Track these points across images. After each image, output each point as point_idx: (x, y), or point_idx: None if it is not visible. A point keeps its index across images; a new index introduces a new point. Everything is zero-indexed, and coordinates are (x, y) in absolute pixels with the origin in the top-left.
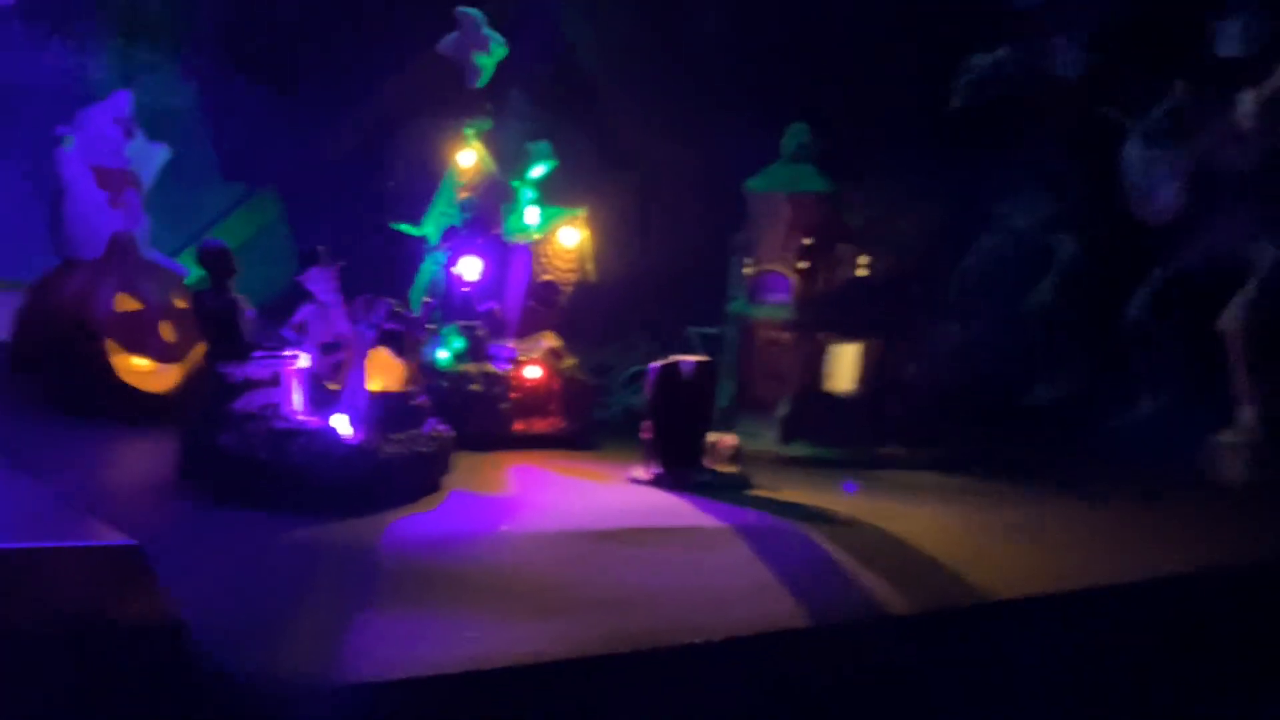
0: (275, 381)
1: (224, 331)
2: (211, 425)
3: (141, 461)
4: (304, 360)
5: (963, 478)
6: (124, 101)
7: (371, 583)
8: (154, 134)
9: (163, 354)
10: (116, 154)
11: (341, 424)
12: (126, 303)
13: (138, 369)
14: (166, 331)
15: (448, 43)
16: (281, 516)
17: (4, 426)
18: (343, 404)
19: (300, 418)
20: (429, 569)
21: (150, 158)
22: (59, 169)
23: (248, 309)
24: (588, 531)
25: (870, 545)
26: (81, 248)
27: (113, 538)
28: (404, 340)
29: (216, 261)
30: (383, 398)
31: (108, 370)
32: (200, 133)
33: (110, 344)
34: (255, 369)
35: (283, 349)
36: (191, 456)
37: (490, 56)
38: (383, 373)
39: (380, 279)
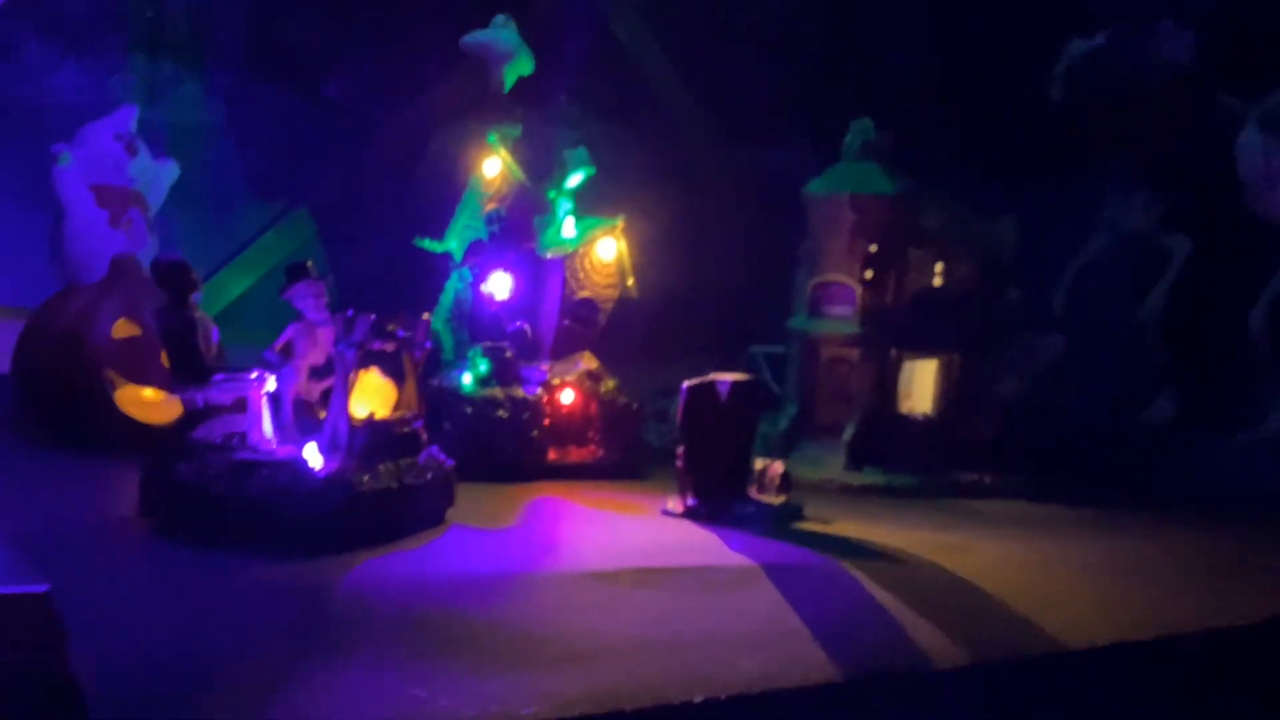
0: (241, 407)
1: (183, 352)
2: (170, 456)
3: (115, 495)
4: (271, 384)
5: (1053, 507)
6: (128, 117)
7: (320, 633)
8: (178, 152)
9: (166, 382)
10: (118, 172)
11: (312, 454)
12: (127, 328)
13: (138, 398)
14: None
15: (471, 41)
16: (241, 557)
17: None
18: (322, 431)
19: (270, 447)
20: (394, 616)
21: (157, 175)
22: (57, 189)
23: (212, 328)
24: (592, 572)
25: (924, 585)
26: (81, 271)
27: (27, 582)
28: (397, 360)
29: (174, 276)
30: (369, 425)
31: (105, 400)
32: (228, 150)
33: (109, 373)
34: (217, 394)
35: (251, 371)
36: (149, 490)
37: (515, 67)
38: (373, 397)
39: (411, 297)
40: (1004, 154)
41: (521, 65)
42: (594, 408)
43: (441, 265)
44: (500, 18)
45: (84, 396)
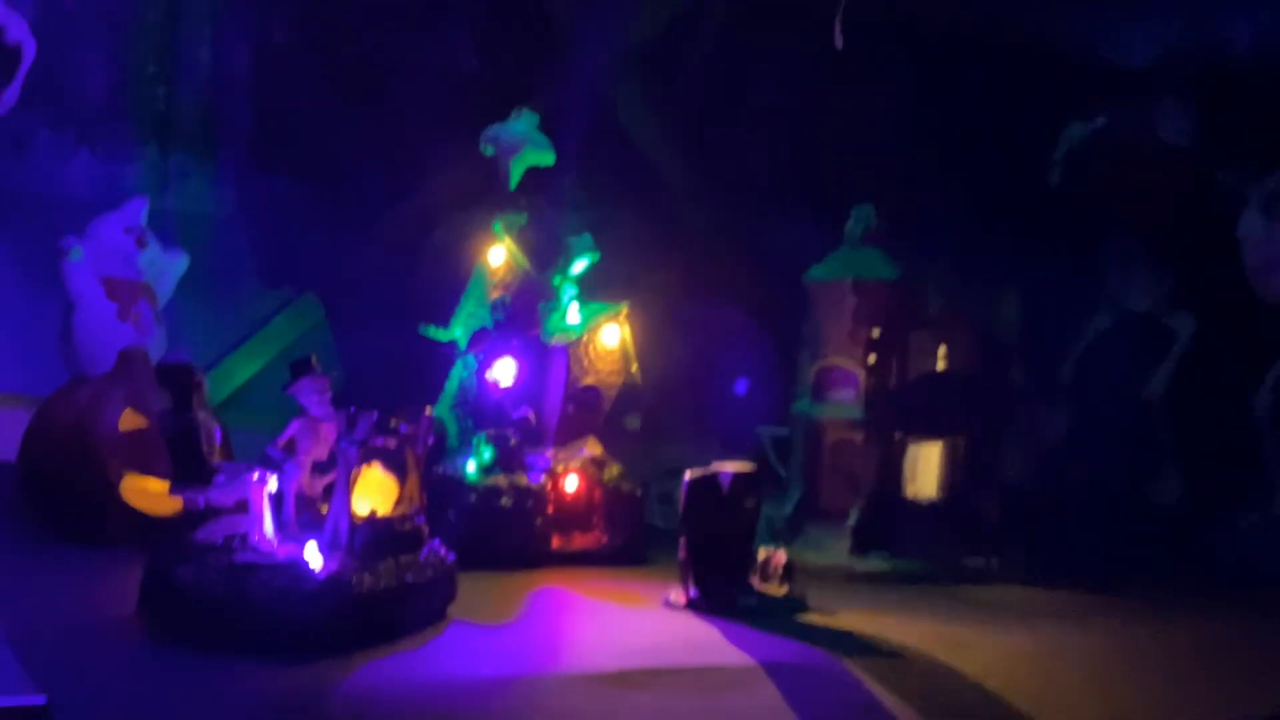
0: (243, 508)
1: (185, 454)
2: (171, 557)
3: (117, 592)
4: (272, 484)
5: (1059, 592)
6: (138, 210)
7: None
8: (188, 243)
9: (170, 473)
10: (128, 265)
11: (312, 554)
12: (133, 420)
13: (143, 490)
14: None
15: (489, 135)
16: (242, 661)
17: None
18: (324, 529)
19: (271, 548)
20: None
21: (166, 268)
22: (66, 282)
23: (215, 428)
24: (593, 674)
25: (926, 684)
26: (90, 363)
27: (26, 692)
28: (399, 456)
29: (177, 379)
30: (371, 522)
31: (110, 491)
32: (237, 238)
33: (114, 464)
34: (218, 494)
35: (252, 471)
36: (150, 591)
37: (523, 159)
38: (376, 493)
39: (416, 383)
40: (1006, 234)
41: (535, 157)
42: (598, 494)
43: (447, 352)
44: (519, 111)
45: (89, 488)
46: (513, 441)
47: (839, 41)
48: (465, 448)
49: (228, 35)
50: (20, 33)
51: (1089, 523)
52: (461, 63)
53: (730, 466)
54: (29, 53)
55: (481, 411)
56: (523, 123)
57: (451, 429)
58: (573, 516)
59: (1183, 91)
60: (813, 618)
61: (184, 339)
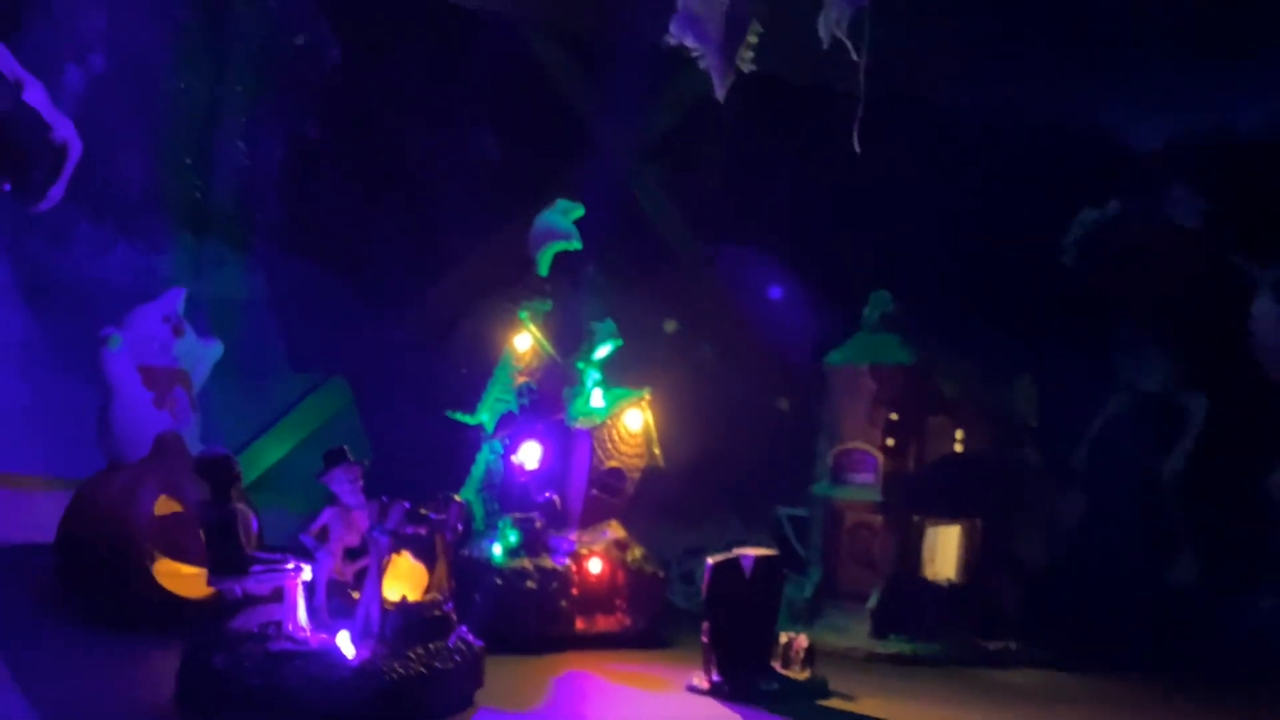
0: (277, 597)
1: (223, 544)
2: (208, 645)
3: (152, 678)
4: (307, 574)
5: (1077, 676)
6: (175, 299)
7: None
8: (220, 327)
9: (204, 558)
10: (164, 353)
11: (345, 643)
12: (168, 505)
13: (178, 574)
14: None
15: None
16: None
17: (33, 633)
18: (355, 617)
19: (305, 636)
20: None
21: (201, 355)
22: (105, 370)
23: (251, 518)
24: None
25: None
26: (126, 449)
27: None
28: (429, 543)
29: (216, 470)
30: (401, 609)
31: (147, 576)
32: (268, 323)
33: (150, 549)
34: (255, 584)
35: (287, 561)
36: (187, 679)
37: (550, 248)
38: (405, 580)
39: (443, 465)
40: (1020, 317)
41: (564, 243)
42: (621, 577)
43: (474, 436)
44: (563, 203)
45: (124, 571)
46: (538, 524)
47: (857, 145)
48: (491, 530)
49: (261, 128)
50: (67, 132)
51: (1106, 605)
52: (487, 153)
53: (752, 551)
54: (75, 151)
55: (507, 494)
56: (556, 212)
57: (478, 511)
58: (596, 599)
59: (1192, 176)
60: (834, 702)
61: (215, 422)
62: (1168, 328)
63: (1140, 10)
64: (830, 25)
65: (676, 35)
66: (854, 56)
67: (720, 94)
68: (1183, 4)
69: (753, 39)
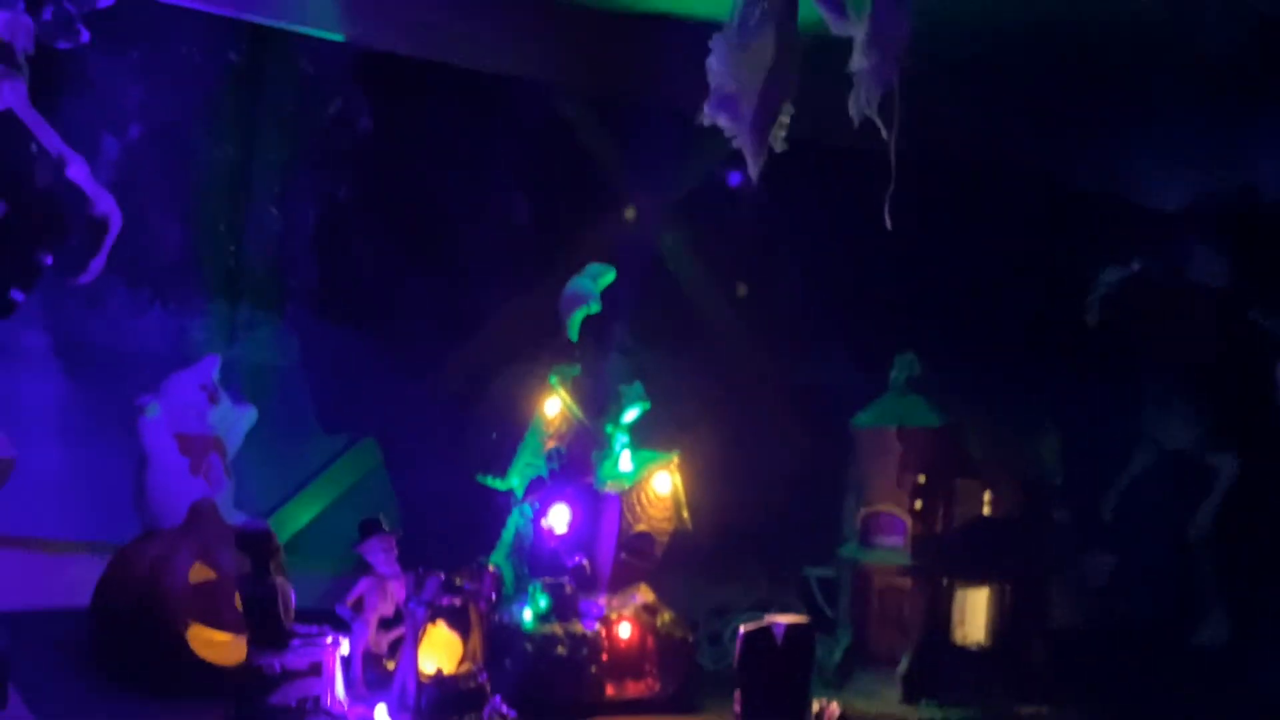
0: (316, 671)
1: (263, 619)
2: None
3: None
4: (345, 647)
5: None
6: (210, 367)
7: None
8: (253, 390)
9: (238, 625)
10: (200, 420)
11: (382, 716)
12: (202, 572)
13: (211, 641)
14: None
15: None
16: None
17: (68, 698)
18: (392, 690)
19: (343, 710)
20: None
21: (236, 421)
22: (142, 438)
23: (290, 591)
24: None
25: None
26: (162, 516)
27: None
28: (464, 613)
29: (257, 545)
30: (438, 682)
31: (181, 643)
32: (300, 386)
33: (184, 616)
34: (293, 659)
35: (325, 634)
36: None
37: (580, 313)
38: (440, 651)
39: (472, 526)
40: (1045, 376)
41: (589, 308)
42: (650, 641)
43: (503, 500)
44: (594, 267)
45: (159, 638)
46: (568, 589)
47: (889, 223)
48: (521, 595)
49: (294, 193)
50: (107, 206)
51: (1137, 666)
52: (517, 217)
53: (784, 618)
54: (115, 225)
55: (537, 559)
56: (586, 277)
57: (508, 576)
58: (626, 664)
59: (1215, 235)
60: None
61: (246, 484)
62: (1193, 386)
63: (1162, 71)
64: (861, 105)
65: (711, 116)
66: (884, 135)
67: (754, 173)
68: (1204, 65)
69: (785, 119)
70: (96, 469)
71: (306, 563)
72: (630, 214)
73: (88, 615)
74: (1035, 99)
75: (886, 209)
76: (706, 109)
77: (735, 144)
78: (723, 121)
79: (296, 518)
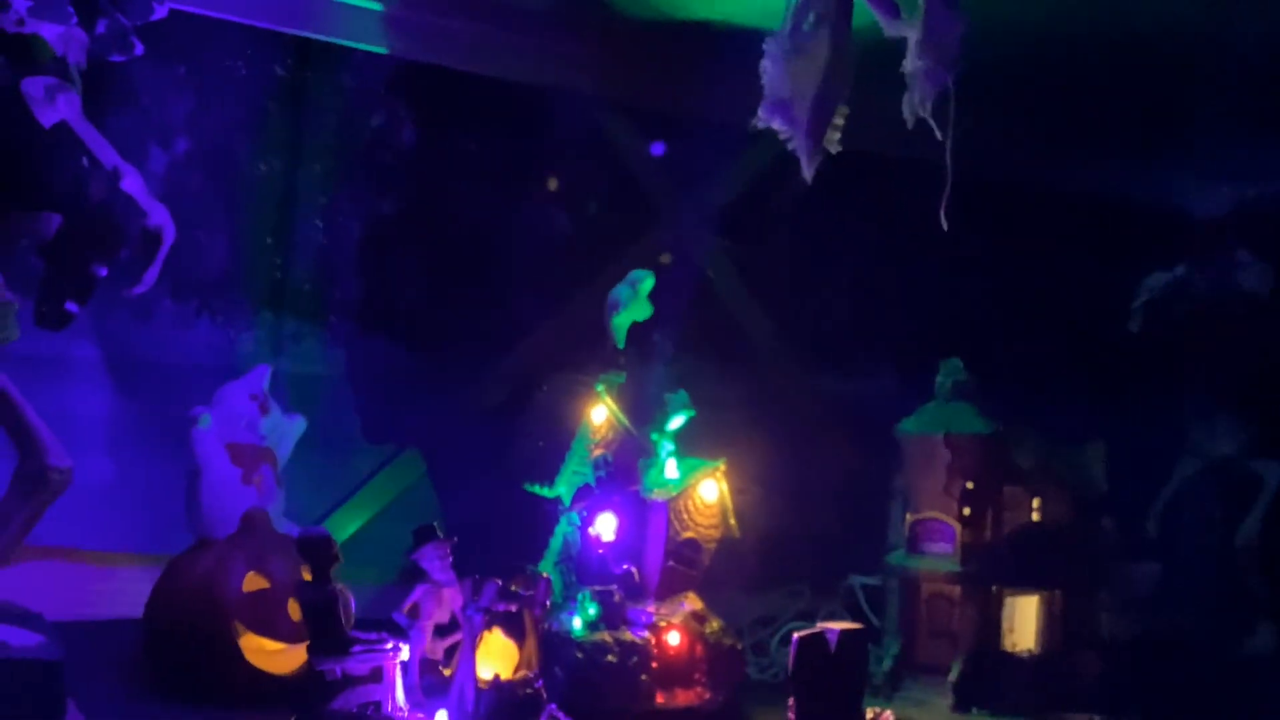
0: (376, 677)
1: (324, 625)
2: None
3: None
4: (405, 653)
5: None
6: (261, 377)
7: None
8: (299, 402)
9: (291, 634)
10: (251, 430)
11: None
12: (255, 581)
13: (265, 650)
14: (296, 610)
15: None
16: None
17: (121, 710)
18: (450, 696)
19: (403, 716)
20: None
21: (286, 431)
22: (194, 449)
23: (350, 598)
24: None
25: None
26: (214, 527)
27: None
28: (519, 620)
29: (317, 551)
30: (496, 687)
31: (235, 653)
32: (345, 398)
33: (237, 625)
34: (354, 665)
35: (385, 641)
36: None
37: (627, 316)
38: (497, 657)
39: (518, 536)
40: (1089, 384)
41: (636, 311)
42: (699, 649)
43: (549, 509)
44: (635, 273)
45: (213, 647)
46: (617, 597)
47: (945, 224)
48: (570, 603)
49: (338, 207)
50: (161, 218)
51: (1186, 675)
52: (559, 227)
53: (837, 625)
54: (169, 236)
55: (585, 567)
56: (627, 283)
57: (557, 585)
58: (675, 672)
59: (1258, 243)
60: None
61: (294, 495)
62: (1238, 394)
63: (1204, 80)
64: (915, 106)
65: (765, 120)
66: (939, 136)
67: (808, 176)
68: (1246, 72)
69: (839, 120)
70: (147, 480)
71: (352, 572)
72: (673, 224)
73: (141, 626)
74: (1079, 109)
75: (942, 210)
76: (761, 113)
77: (790, 147)
78: (777, 124)
79: (342, 528)
